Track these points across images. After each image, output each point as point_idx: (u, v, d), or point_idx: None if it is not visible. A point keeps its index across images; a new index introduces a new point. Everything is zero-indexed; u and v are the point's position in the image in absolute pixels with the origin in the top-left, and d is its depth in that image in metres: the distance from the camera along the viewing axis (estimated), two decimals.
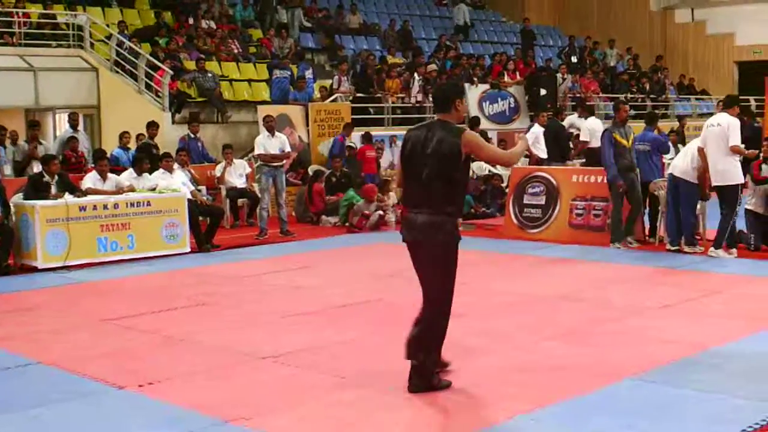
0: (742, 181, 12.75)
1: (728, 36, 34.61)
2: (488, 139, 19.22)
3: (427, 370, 6.76)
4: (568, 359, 7.69)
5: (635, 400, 6.56)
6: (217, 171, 18.02)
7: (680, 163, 13.16)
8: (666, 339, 8.31)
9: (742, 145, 12.86)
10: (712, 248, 12.79)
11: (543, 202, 15.47)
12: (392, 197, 17.30)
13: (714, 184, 12.64)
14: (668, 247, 13.46)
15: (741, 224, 13.18)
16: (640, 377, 7.06)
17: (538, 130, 19.43)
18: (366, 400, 6.68)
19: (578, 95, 26.51)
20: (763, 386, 6.75)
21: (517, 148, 7.40)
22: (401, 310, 9.75)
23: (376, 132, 21.20)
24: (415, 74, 23.78)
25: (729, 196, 12.53)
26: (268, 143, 16.18)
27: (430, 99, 23.40)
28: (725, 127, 12.47)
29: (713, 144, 12.57)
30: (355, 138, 20.46)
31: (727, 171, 12.47)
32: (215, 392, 6.99)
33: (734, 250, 12.81)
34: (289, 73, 21.96)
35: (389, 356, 7.54)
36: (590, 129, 18.91)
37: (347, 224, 17.18)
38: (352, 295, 10.74)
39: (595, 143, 18.80)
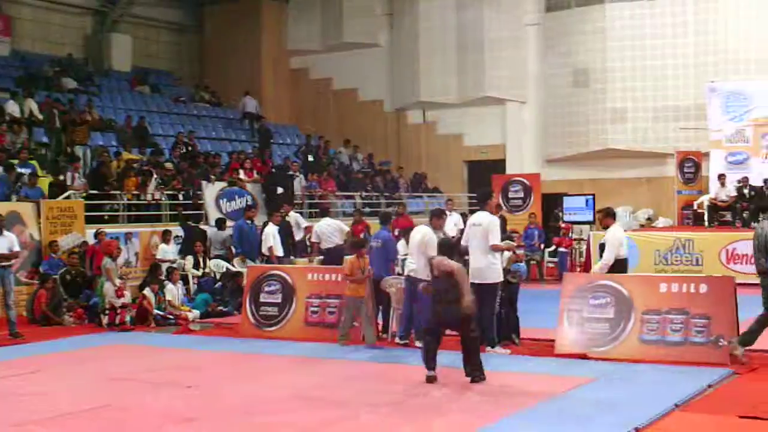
0: (501, 280, 13.03)
1: (457, 137, 36.15)
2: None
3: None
4: None
5: None
6: None
7: (415, 265, 13.57)
8: None
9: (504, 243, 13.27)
10: (488, 348, 12.72)
11: (279, 300, 15.62)
12: (127, 296, 17.05)
13: (472, 281, 12.25)
14: (397, 341, 13.99)
15: None
16: None
17: (272, 229, 19.75)
18: None
19: (314, 194, 27.11)
20: None
21: None
22: (130, 417, 9.67)
23: (110, 230, 20.83)
24: (153, 171, 23.60)
25: (488, 294, 12.80)
26: None
27: (166, 197, 23.37)
28: (486, 225, 12.93)
29: (475, 242, 12.93)
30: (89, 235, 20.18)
31: (487, 269, 12.82)
32: None
33: (507, 350, 13.13)
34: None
35: None
36: (319, 230, 19.60)
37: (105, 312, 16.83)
38: (83, 401, 10.48)
39: (327, 244, 19.45)
